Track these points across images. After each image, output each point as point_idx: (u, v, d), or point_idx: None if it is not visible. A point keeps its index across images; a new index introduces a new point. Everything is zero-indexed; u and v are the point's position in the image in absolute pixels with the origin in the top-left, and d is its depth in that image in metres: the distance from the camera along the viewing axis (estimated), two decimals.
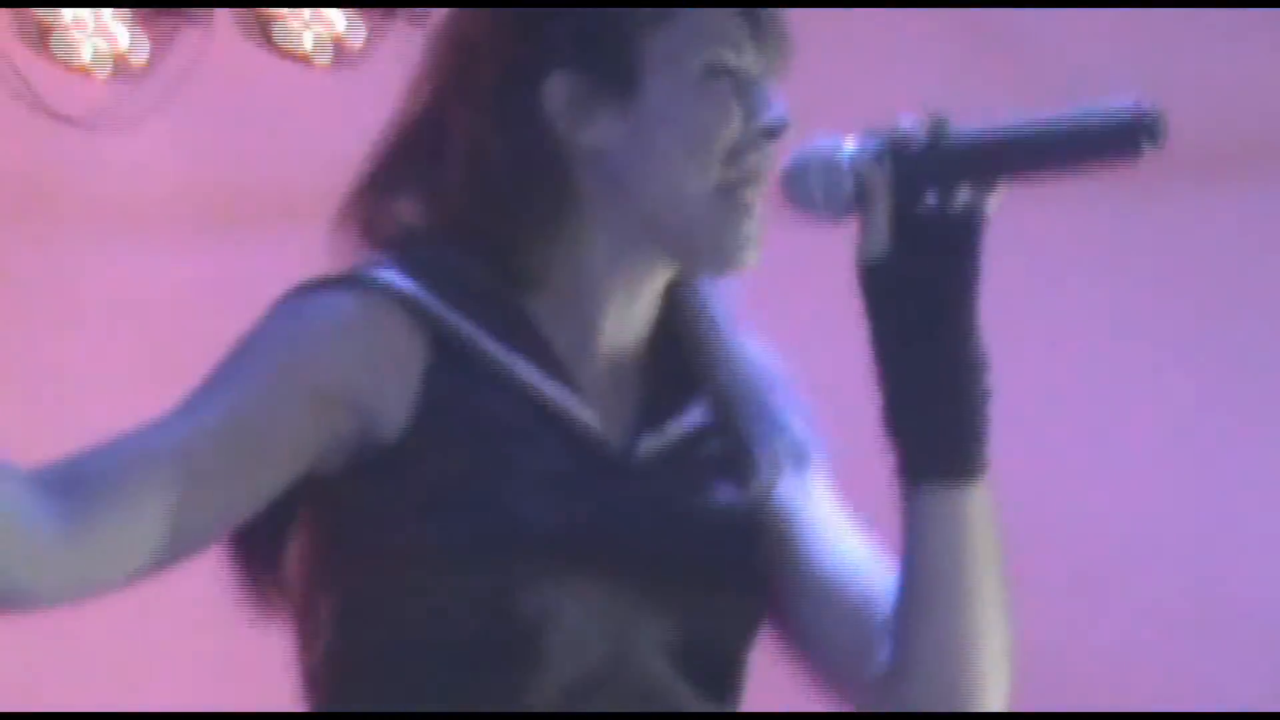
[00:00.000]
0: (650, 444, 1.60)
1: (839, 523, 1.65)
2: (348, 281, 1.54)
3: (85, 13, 4.43)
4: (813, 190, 1.55)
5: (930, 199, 1.52)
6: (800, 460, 1.64)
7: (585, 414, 1.56)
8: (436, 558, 1.51)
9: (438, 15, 1.72)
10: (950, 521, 1.55)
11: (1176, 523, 4.76)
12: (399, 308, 1.51)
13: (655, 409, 1.62)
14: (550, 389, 1.56)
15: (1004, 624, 1.60)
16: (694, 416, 1.63)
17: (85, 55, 4.47)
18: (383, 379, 1.50)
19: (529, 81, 1.55)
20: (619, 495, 1.57)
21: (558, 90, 1.54)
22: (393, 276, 1.52)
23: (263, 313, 1.52)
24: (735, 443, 1.63)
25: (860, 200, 1.53)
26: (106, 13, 4.42)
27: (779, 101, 1.58)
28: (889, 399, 1.55)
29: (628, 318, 1.62)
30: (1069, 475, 4.71)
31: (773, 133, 1.56)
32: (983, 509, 1.55)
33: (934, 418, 1.54)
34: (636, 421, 1.61)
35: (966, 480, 1.54)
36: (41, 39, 4.44)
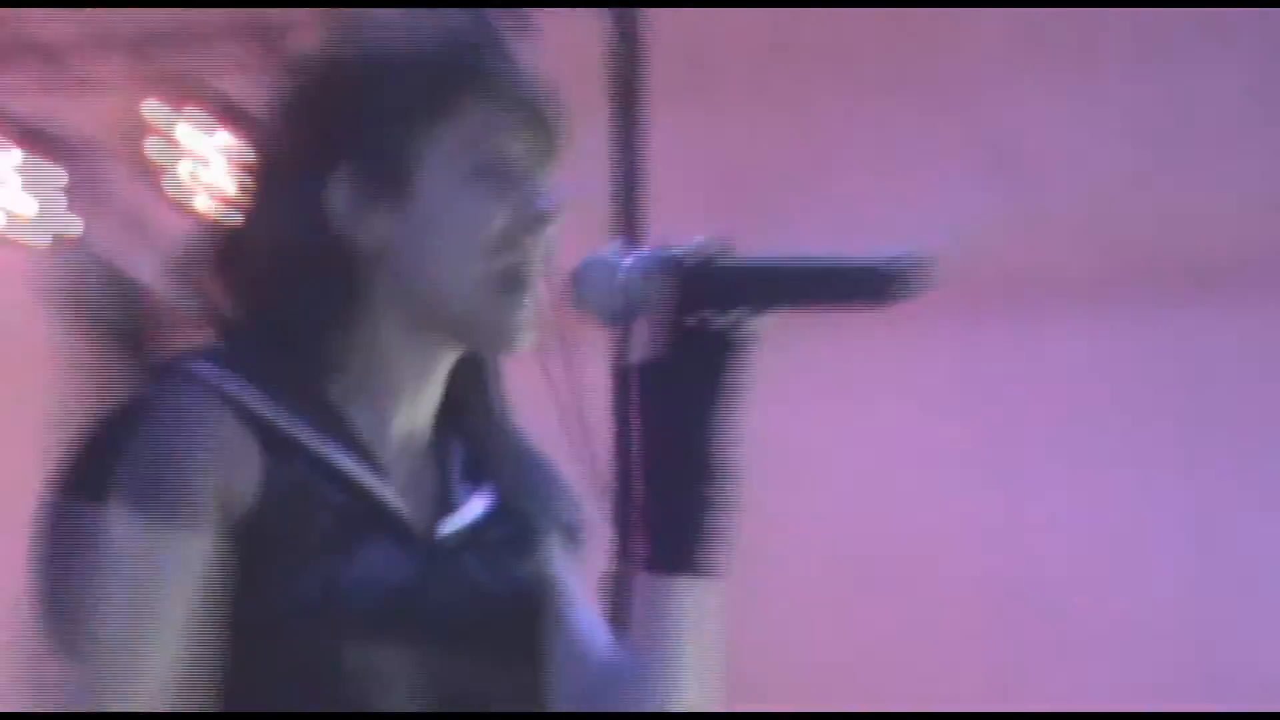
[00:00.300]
0: (450, 527, 1.83)
1: (581, 593, 1.91)
2: (178, 383, 1.73)
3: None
4: (588, 297, 1.76)
5: (696, 316, 1.74)
6: (571, 538, 1.89)
7: (397, 502, 1.79)
8: (277, 625, 1.75)
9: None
10: (672, 609, 1.78)
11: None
12: (230, 409, 1.72)
13: (450, 491, 1.85)
14: (367, 479, 1.78)
15: (699, 695, 1.83)
16: (484, 499, 1.86)
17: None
18: (230, 477, 1.72)
19: (315, 182, 1.75)
20: (425, 574, 1.81)
21: (339, 192, 1.73)
22: (214, 373, 1.73)
23: (99, 419, 1.74)
24: (520, 525, 1.87)
25: (629, 310, 1.76)
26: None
27: (551, 191, 1.78)
28: (647, 493, 1.78)
29: (421, 399, 1.84)
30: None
31: (539, 221, 1.77)
32: (703, 601, 1.77)
33: (676, 514, 1.78)
34: (435, 503, 1.84)
35: (693, 574, 1.76)
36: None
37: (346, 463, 1.83)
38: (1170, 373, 5.78)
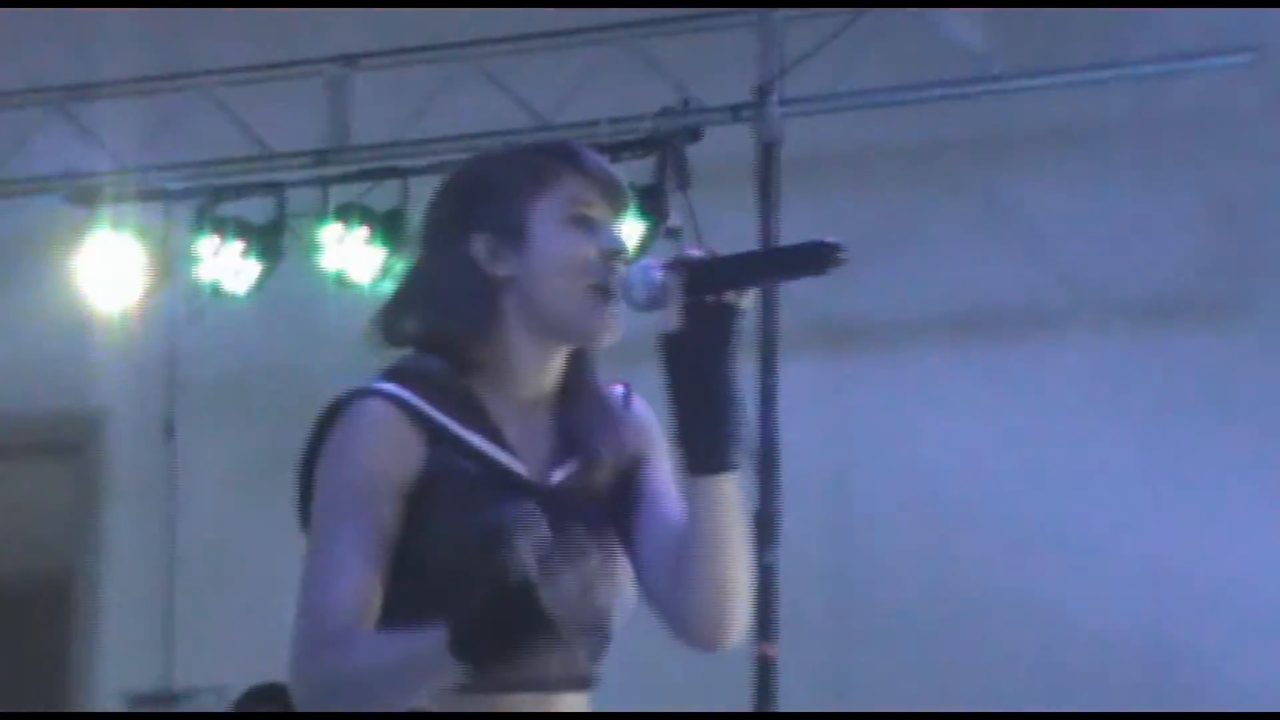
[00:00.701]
0: (560, 474, 2.36)
1: (663, 491, 2.38)
2: (379, 399, 2.29)
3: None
4: (635, 294, 2.27)
5: (704, 297, 2.23)
6: (647, 460, 2.36)
7: (514, 464, 2.32)
8: (437, 560, 2.27)
9: None
10: (711, 498, 2.27)
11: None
12: (402, 410, 2.28)
13: (561, 449, 2.37)
14: (490, 449, 2.31)
15: (743, 563, 2.34)
16: (584, 451, 2.37)
17: None
18: (399, 461, 2.28)
19: (465, 240, 2.32)
20: (540, 510, 2.28)
21: (481, 245, 2.31)
22: (390, 387, 2.29)
23: (322, 426, 2.32)
24: (608, 465, 2.37)
25: (662, 298, 2.24)
26: None
27: (617, 235, 2.35)
28: (676, 423, 2.27)
29: (539, 383, 2.36)
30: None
31: (611, 255, 2.32)
32: (730, 490, 2.29)
33: (701, 433, 2.26)
34: (552, 457, 2.36)
35: (720, 473, 2.26)
36: None
37: (479, 442, 2.34)
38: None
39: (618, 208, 2.44)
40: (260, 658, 6.89)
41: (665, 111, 5.79)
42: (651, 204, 5.73)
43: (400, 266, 2.82)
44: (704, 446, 2.33)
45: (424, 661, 2.24)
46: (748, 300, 2.31)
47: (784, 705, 5.53)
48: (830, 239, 2.28)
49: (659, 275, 2.31)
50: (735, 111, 5.72)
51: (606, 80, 6.06)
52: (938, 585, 6.12)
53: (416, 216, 6.56)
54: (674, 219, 5.76)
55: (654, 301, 2.31)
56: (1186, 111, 5.88)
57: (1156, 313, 6.33)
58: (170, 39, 6.73)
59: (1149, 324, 6.31)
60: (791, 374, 5.87)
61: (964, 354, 6.46)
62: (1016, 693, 5.58)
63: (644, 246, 5.79)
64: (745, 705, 5.53)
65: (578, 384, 2.47)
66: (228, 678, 6.62)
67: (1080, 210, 6.28)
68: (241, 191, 6.14)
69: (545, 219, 2.39)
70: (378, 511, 2.34)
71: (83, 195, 6.14)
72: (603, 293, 2.37)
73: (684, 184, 5.73)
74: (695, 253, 2.33)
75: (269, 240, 6.06)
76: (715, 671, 5.87)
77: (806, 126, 5.90)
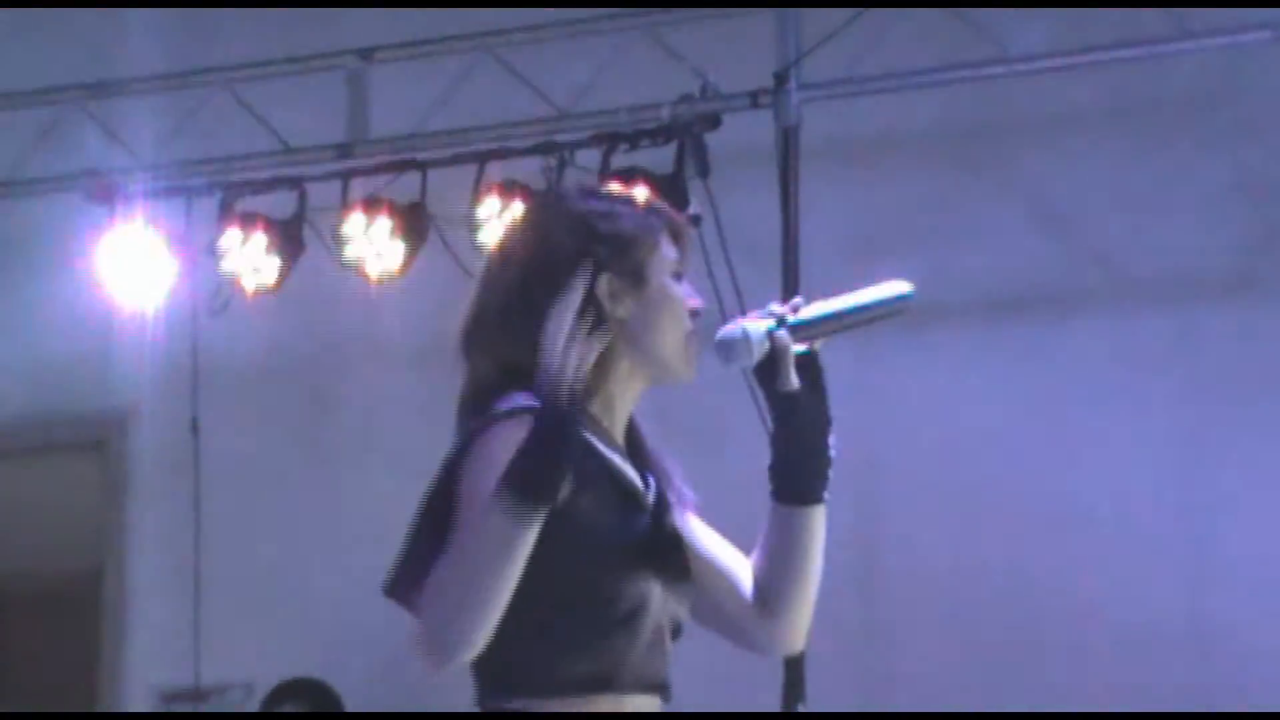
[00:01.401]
0: (649, 496, 2.55)
1: (710, 533, 2.63)
2: (521, 415, 2.39)
3: None
4: (739, 351, 2.47)
5: (801, 348, 2.50)
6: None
7: (634, 477, 2.53)
8: (581, 558, 2.42)
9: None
10: (804, 528, 2.59)
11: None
12: None
13: (640, 478, 2.57)
14: (619, 464, 2.52)
15: (816, 577, 2.63)
16: (655, 485, 2.58)
17: None
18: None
19: (589, 278, 2.48)
20: (647, 519, 2.52)
21: (605, 285, 2.50)
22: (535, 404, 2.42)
23: (473, 441, 2.41)
24: (668, 498, 2.57)
25: (778, 357, 2.49)
26: None
27: (693, 290, 2.58)
28: (780, 461, 2.53)
29: (626, 415, 2.59)
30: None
31: (696, 313, 2.55)
32: (818, 522, 2.60)
33: (802, 470, 2.55)
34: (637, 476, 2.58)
35: (814, 504, 2.56)
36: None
37: (612, 459, 2.54)
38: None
39: (689, 259, 2.68)
40: (287, 652, 6.89)
41: (684, 99, 5.78)
42: (671, 192, 5.64)
43: (485, 274, 2.79)
44: (803, 481, 2.62)
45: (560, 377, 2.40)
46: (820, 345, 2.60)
47: (812, 691, 5.51)
48: (906, 289, 2.64)
49: (773, 336, 2.55)
50: (754, 97, 5.72)
51: (625, 69, 6.07)
52: (968, 567, 6.14)
53: (438, 208, 6.27)
54: (695, 207, 5.68)
55: (765, 358, 2.56)
56: (1209, 89, 5.90)
57: (1183, 291, 6.35)
58: (189, 36, 6.75)
59: (1176, 302, 6.34)
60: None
61: (991, 336, 6.51)
62: (1049, 675, 5.59)
63: None
64: (774, 690, 5.51)
65: (637, 421, 2.69)
66: (256, 673, 6.64)
67: (1104, 189, 6.31)
68: (262, 187, 6.15)
69: (659, 270, 2.62)
70: (528, 525, 2.41)
71: (104, 193, 6.12)
72: (693, 339, 2.61)
73: (704, 172, 5.72)
74: (788, 310, 2.57)
75: (290, 235, 6.09)
76: (743, 662, 5.97)
77: (828, 111, 5.91)
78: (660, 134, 5.87)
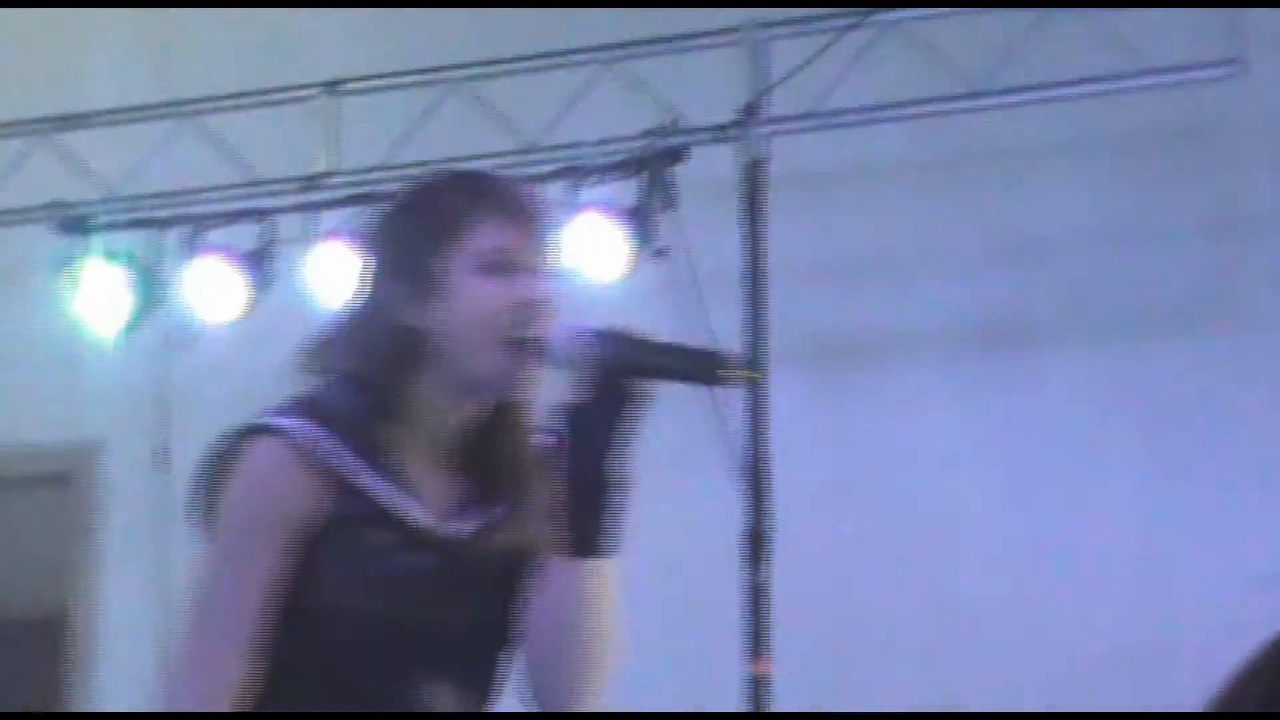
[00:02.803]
0: (463, 527, 2.33)
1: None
2: (278, 439, 2.26)
3: None
4: (556, 352, 2.24)
5: (619, 378, 2.24)
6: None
7: (414, 513, 2.29)
8: (324, 607, 2.26)
9: None
10: (584, 580, 2.31)
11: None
12: (298, 454, 2.25)
13: (468, 504, 2.34)
14: (392, 497, 2.28)
15: (602, 649, 2.35)
16: (496, 511, 2.34)
17: None
18: (293, 505, 2.25)
19: (384, 289, 2.31)
20: (435, 561, 2.30)
21: (401, 295, 2.28)
22: (291, 425, 2.27)
23: (223, 459, 2.30)
24: (519, 527, 2.34)
25: (580, 366, 2.23)
26: None
27: (539, 283, 2.31)
28: (566, 501, 2.28)
29: (454, 433, 2.33)
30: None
31: (531, 305, 2.28)
32: (605, 575, 2.31)
33: (586, 515, 2.28)
34: (459, 509, 2.33)
35: (597, 557, 2.29)
36: None
37: (380, 486, 2.30)
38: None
39: (542, 249, 2.40)
40: None
41: (650, 132, 5.83)
42: (638, 225, 5.80)
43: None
44: (588, 529, 2.34)
45: None
46: (651, 393, 2.32)
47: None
48: (734, 356, 2.35)
49: (585, 344, 2.30)
50: (720, 131, 5.76)
51: (594, 102, 6.11)
52: (933, 600, 6.16)
53: None
54: (663, 240, 5.77)
55: (571, 366, 2.31)
56: (1172, 124, 5.96)
57: (1148, 326, 6.37)
58: (156, 67, 6.82)
59: (1139, 336, 6.35)
60: (785, 389, 5.88)
61: (958, 368, 6.50)
62: (1016, 703, 5.58)
63: (632, 268, 5.89)
64: None
65: (500, 435, 2.44)
66: None
67: (1068, 223, 6.36)
68: (230, 219, 6.19)
69: (461, 270, 2.37)
70: (263, 559, 2.33)
71: (72, 224, 6.19)
72: (519, 345, 2.34)
73: (670, 204, 5.75)
74: (610, 331, 2.32)
75: (258, 266, 6.16)
76: (707, 690, 6.01)
77: (796, 143, 5.95)
78: (627, 167, 5.90)
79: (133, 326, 6.30)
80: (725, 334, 5.71)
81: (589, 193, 6.01)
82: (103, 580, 6.81)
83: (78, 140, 6.42)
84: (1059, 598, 6.02)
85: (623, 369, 2.31)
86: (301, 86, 6.31)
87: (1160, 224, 6.20)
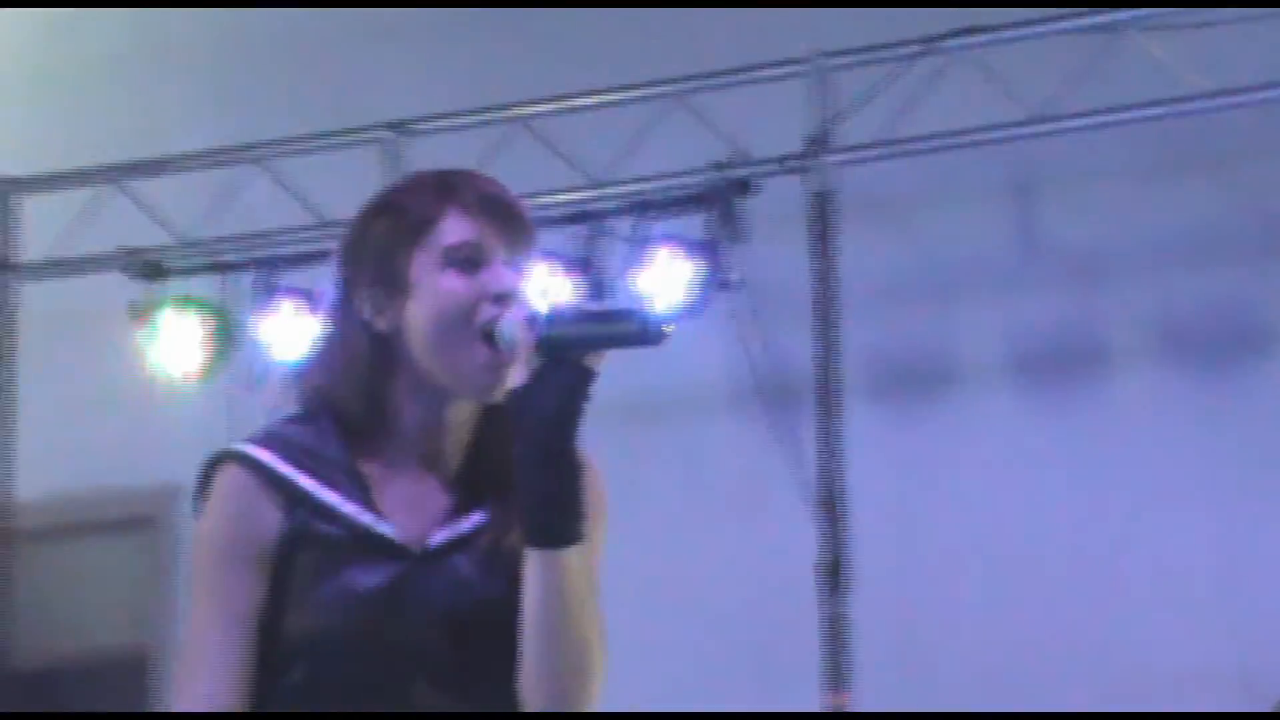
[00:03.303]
0: (441, 537, 2.25)
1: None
2: (235, 464, 2.24)
3: None
4: (502, 342, 2.15)
5: (557, 355, 2.12)
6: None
7: (381, 527, 2.23)
8: (292, 627, 2.21)
9: None
10: (549, 572, 2.17)
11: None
12: (258, 477, 2.22)
13: (452, 511, 2.26)
14: (353, 512, 2.22)
15: (580, 645, 2.20)
16: (479, 516, 2.27)
17: None
18: (255, 526, 2.21)
19: (351, 298, 2.25)
20: (407, 576, 2.23)
21: (366, 302, 2.23)
22: (255, 451, 2.24)
23: (198, 488, 2.27)
24: (504, 534, 2.24)
25: (514, 350, 2.14)
26: None
27: (505, 273, 2.22)
28: (519, 491, 2.17)
29: (434, 440, 2.26)
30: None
31: (498, 297, 2.20)
32: (570, 565, 2.17)
33: (539, 503, 2.15)
34: (438, 520, 2.26)
35: (557, 547, 2.15)
36: None
37: (342, 504, 2.26)
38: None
39: (515, 239, 2.32)
40: None
41: (717, 165, 5.85)
42: (707, 258, 5.82)
43: None
44: (542, 517, 2.23)
45: None
46: (599, 364, 2.20)
47: None
48: (659, 317, 2.20)
49: (516, 326, 2.21)
50: (783, 163, 5.80)
51: (660, 137, 6.14)
52: (1011, 627, 6.14)
53: None
54: (733, 271, 5.79)
55: (511, 353, 2.22)
56: (1235, 143, 5.95)
57: (1221, 347, 6.35)
58: (224, 113, 6.93)
59: (1214, 358, 6.33)
60: (857, 417, 5.93)
61: (1031, 392, 6.51)
62: None
63: (702, 300, 5.91)
64: None
65: (487, 440, 2.36)
66: None
67: (1141, 245, 6.37)
68: (302, 260, 6.23)
69: (424, 266, 2.30)
70: (237, 586, 2.30)
71: (147, 270, 6.31)
72: (489, 339, 2.27)
73: (737, 237, 5.79)
74: (556, 305, 2.24)
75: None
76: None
77: (866, 170, 5.96)
78: (695, 201, 5.94)
79: (209, 369, 6.36)
80: (798, 362, 6.01)
81: (658, 227, 6.03)
82: (182, 623, 6.91)
83: (151, 186, 6.51)
84: (1137, 622, 6.01)
85: (561, 345, 2.20)
86: (368, 128, 6.35)
87: (1231, 244, 6.17)
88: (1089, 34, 5.86)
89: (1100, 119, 5.82)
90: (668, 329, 2.18)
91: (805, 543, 5.77)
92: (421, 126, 6.35)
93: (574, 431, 2.19)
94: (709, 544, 6.78)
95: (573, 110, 6.29)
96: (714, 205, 5.96)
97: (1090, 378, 6.46)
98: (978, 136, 5.93)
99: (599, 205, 6.12)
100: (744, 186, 5.94)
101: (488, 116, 6.30)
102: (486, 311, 2.26)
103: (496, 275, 2.27)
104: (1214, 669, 5.58)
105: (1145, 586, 6.03)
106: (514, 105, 6.28)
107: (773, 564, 6.25)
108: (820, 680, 5.68)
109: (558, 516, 2.21)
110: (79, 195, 6.65)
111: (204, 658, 2.32)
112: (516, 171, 5.96)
